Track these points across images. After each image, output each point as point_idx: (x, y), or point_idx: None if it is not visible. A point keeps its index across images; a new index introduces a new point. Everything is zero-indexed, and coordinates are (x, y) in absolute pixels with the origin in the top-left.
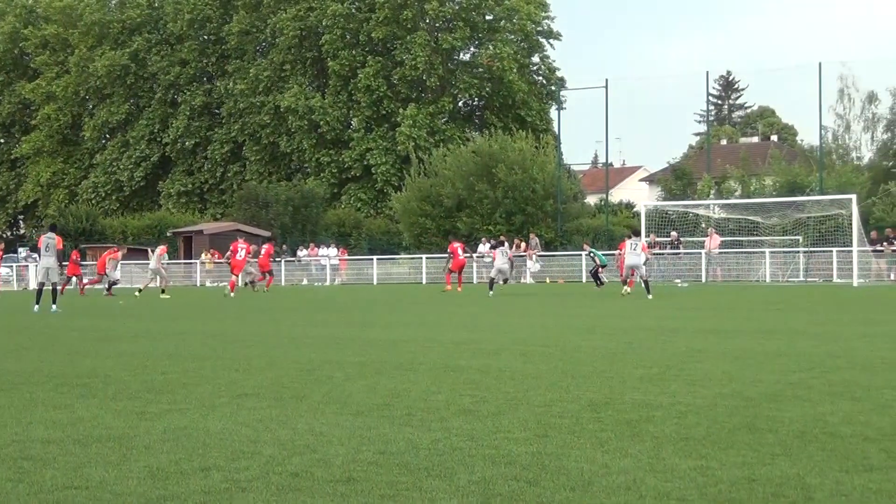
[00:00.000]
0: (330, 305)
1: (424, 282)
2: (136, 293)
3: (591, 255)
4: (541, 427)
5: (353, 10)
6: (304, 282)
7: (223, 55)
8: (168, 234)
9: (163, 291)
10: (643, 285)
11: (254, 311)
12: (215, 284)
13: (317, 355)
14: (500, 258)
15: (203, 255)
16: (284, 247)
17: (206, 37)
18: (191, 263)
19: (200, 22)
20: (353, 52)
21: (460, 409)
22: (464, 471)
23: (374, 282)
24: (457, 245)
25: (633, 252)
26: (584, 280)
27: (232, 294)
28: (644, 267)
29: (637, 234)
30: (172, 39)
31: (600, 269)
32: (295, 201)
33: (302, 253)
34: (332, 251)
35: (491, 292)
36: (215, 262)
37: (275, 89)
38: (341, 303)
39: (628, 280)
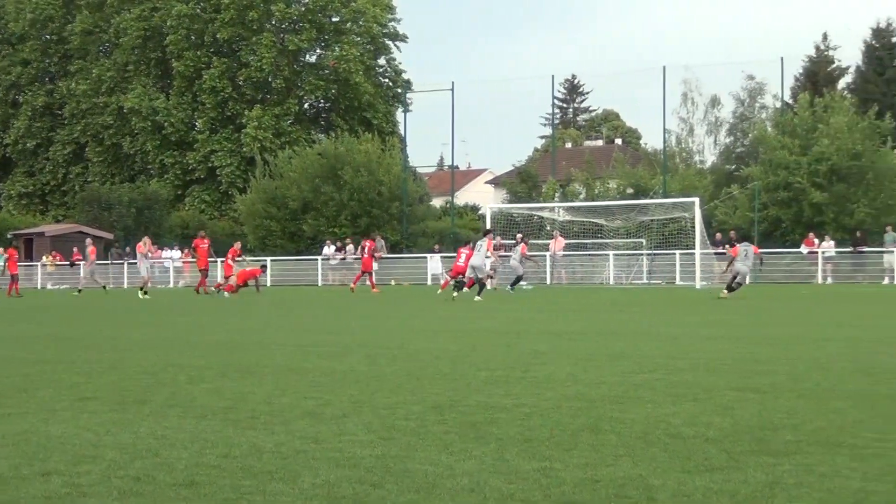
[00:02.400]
0: (174, 308)
1: (269, 284)
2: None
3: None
4: (385, 429)
5: (199, 11)
6: (148, 284)
7: (66, 55)
8: (8, 237)
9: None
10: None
11: (98, 313)
12: (57, 287)
13: (160, 358)
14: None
15: (44, 258)
16: (127, 249)
17: (48, 36)
18: (31, 266)
19: (42, 21)
20: (198, 52)
21: (304, 411)
22: (308, 474)
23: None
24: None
25: (477, 252)
26: (429, 283)
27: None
28: (485, 268)
29: (485, 233)
30: (14, 39)
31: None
32: (138, 203)
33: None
34: (176, 253)
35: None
36: (57, 265)
37: (118, 90)
38: (185, 305)
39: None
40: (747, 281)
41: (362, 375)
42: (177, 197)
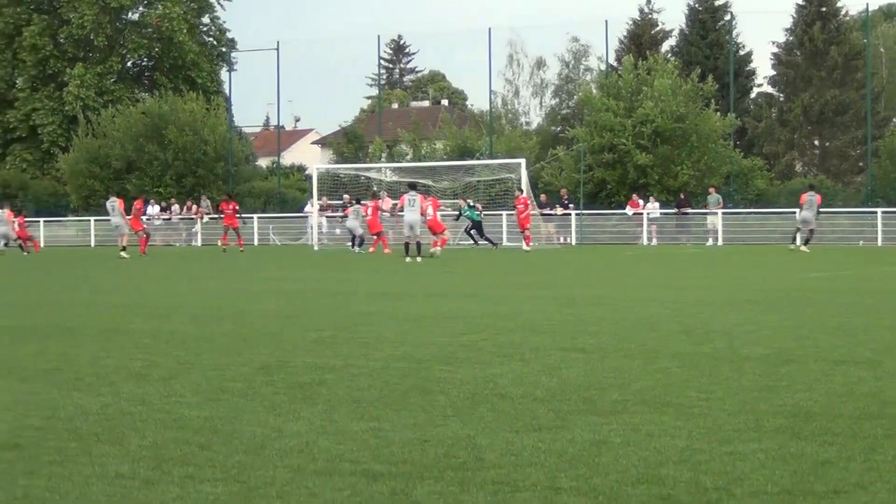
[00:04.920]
0: None
1: (93, 244)
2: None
3: (464, 213)
4: (213, 391)
5: None
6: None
7: None
8: None
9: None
10: (415, 247)
11: None
12: None
13: None
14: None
15: None
16: None
17: None
18: None
19: None
20: (18, 9)
21: (131, 373)
22: (134, 435)
23: (42, 244)
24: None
25: (412, 208)
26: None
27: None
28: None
29: (414, 187)
30: None
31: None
32: None
33: None
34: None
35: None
36: None
37: None
38: (4, 266)
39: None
40: (814, 226)
41: (189, 336)
42: None
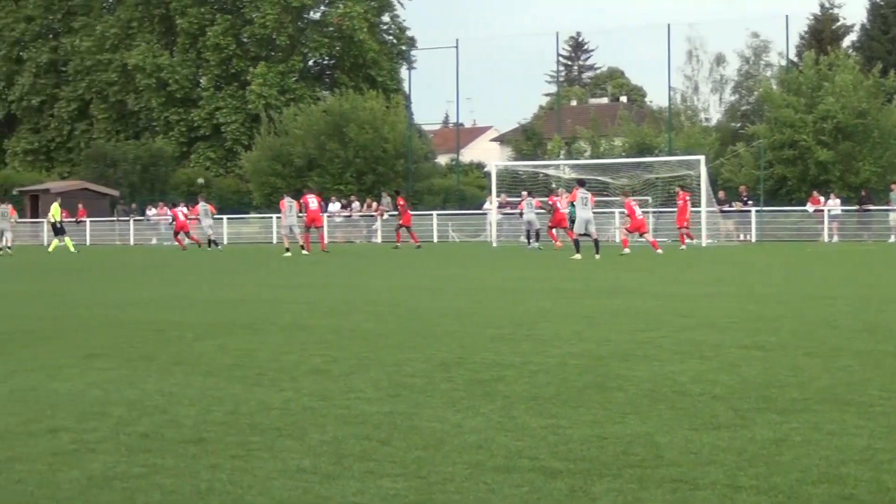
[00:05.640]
0: (179, 265)
1: (275, 241)
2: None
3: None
4: (392, 386)
5: None
6: (154, 241)
7: (69, 11)
8: (14, 193)
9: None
10: (594, 244)
11: (98, 271)
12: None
13: (165, 315)
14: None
15: (50, 215)
16: (133, 206)
17: None
18: (37, 222)
19: None
20: (202, 9)
21: (311, 368)
22: (315, 430)
23: (225, 241)
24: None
25: (584, 207)
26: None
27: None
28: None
29: (583, 184)
30: None
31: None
32: (143, 160)
33: (151, 212)
34: (182, 211)
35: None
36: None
37: (122, 47)
38: (190, 262)
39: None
40: None
41: (369, 333)
42: (182, 154)
